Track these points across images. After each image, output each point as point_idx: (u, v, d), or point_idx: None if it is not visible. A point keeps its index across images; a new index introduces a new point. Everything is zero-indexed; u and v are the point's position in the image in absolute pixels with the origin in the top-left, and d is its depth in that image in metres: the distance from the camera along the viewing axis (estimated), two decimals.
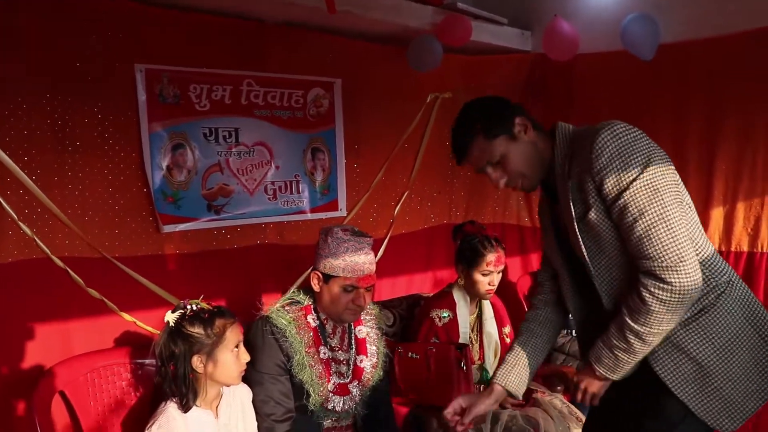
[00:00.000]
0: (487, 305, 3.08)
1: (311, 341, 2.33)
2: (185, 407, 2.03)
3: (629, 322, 1.71)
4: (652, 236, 1.64)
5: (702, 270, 1.69)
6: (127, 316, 2.60)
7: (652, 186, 1.64)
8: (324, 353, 2.35)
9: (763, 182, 3.19)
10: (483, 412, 2.09)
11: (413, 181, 3.69)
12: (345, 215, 3.38)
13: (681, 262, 1.63)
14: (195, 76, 2.75)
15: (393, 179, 3.60)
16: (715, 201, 3.33)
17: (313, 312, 2.39)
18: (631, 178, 1.65)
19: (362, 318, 2.52)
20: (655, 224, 1.64)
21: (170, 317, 2.06)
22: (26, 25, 2.32)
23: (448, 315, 2.91)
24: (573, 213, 1.79)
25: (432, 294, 3.29)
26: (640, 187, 1.64)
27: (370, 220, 3.49)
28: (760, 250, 3.23)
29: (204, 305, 2.09)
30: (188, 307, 2.07)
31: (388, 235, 3.58)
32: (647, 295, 1.67)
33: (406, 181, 3.67)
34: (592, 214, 1.74)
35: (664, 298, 1.65)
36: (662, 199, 1.64)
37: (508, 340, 3.04)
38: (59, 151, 2.44)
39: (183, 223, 2.78)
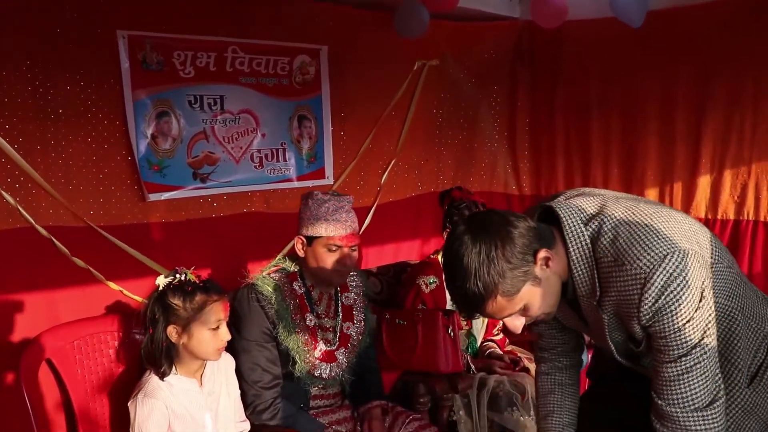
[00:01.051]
0: None
1: (297, 308, 2.32)
2: (161, 374, 2.03)
3: None
4: (684, 380, 1.50)
5: (751, 324, 1.61)
6: (113, 285, 2.60)
7: (702, 326, 1.48)
8: (310, 320, 2.35)
9: (750, 149, 3.20)
10: None
11: (400, 148, 3.67)
12: (332, 183, 3.36)
13: (713, 401, 1.51)
14: (179, 42, 2.71)
15: (380, 147, 3.59)
16: (702, 168, 3.34)
17: (299, 279, 2.38)
18: (684, 321, 1.47)
19: (348, 285, 2.51)
20: (691, 369, 1.49)
21: (161, 281, 2.06)
22: None
23: (435, 281, 2.91)
24: (609, 339, 1.63)
25: (419, 261, 3.29)
26: (692, 329, 1.48)
27: (357, 188, 3.48)
28: (746, 217, 3.25)
29: (192, 277, 2.06)
30: (178, 275, 2.06)
31: (375, 203, 3.58)
32: None
33: (393, 149, 3.65)
34: (643, 348, 1.58)
35: None
36: (709, 336, 1.49)
37: None
38: (41, 119, 2.40)
39: (168, 191, 2.76)
